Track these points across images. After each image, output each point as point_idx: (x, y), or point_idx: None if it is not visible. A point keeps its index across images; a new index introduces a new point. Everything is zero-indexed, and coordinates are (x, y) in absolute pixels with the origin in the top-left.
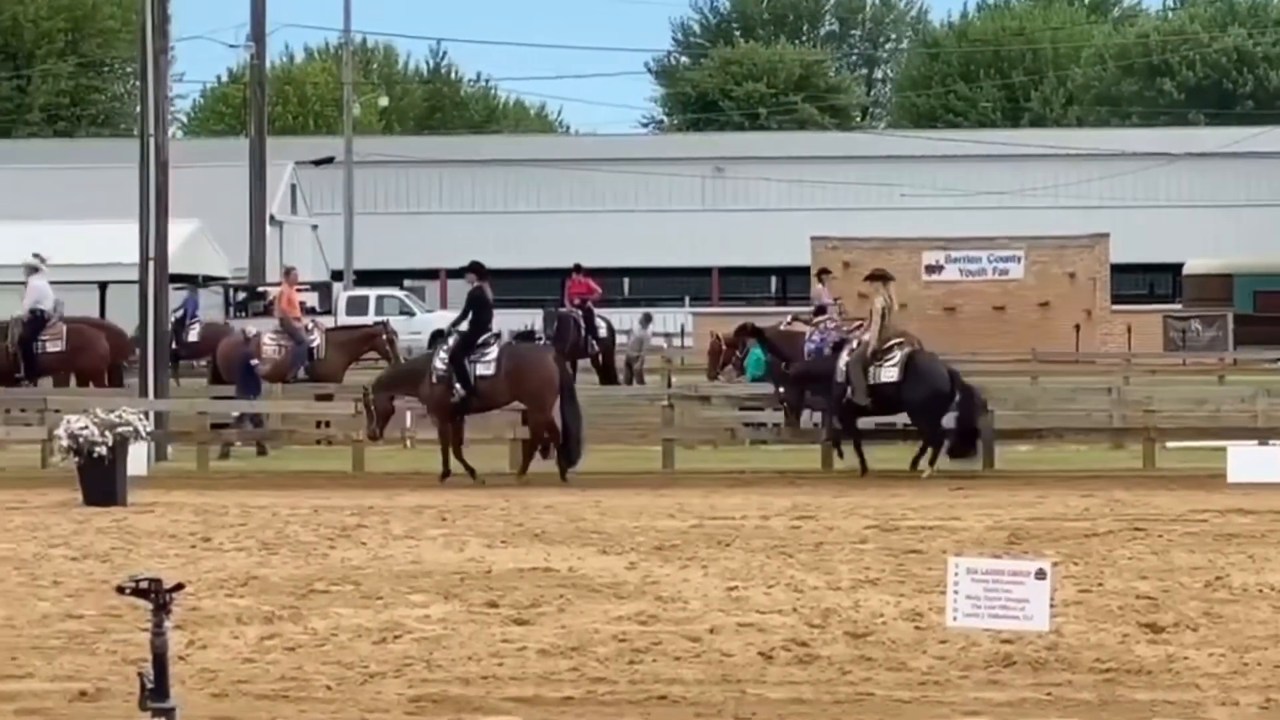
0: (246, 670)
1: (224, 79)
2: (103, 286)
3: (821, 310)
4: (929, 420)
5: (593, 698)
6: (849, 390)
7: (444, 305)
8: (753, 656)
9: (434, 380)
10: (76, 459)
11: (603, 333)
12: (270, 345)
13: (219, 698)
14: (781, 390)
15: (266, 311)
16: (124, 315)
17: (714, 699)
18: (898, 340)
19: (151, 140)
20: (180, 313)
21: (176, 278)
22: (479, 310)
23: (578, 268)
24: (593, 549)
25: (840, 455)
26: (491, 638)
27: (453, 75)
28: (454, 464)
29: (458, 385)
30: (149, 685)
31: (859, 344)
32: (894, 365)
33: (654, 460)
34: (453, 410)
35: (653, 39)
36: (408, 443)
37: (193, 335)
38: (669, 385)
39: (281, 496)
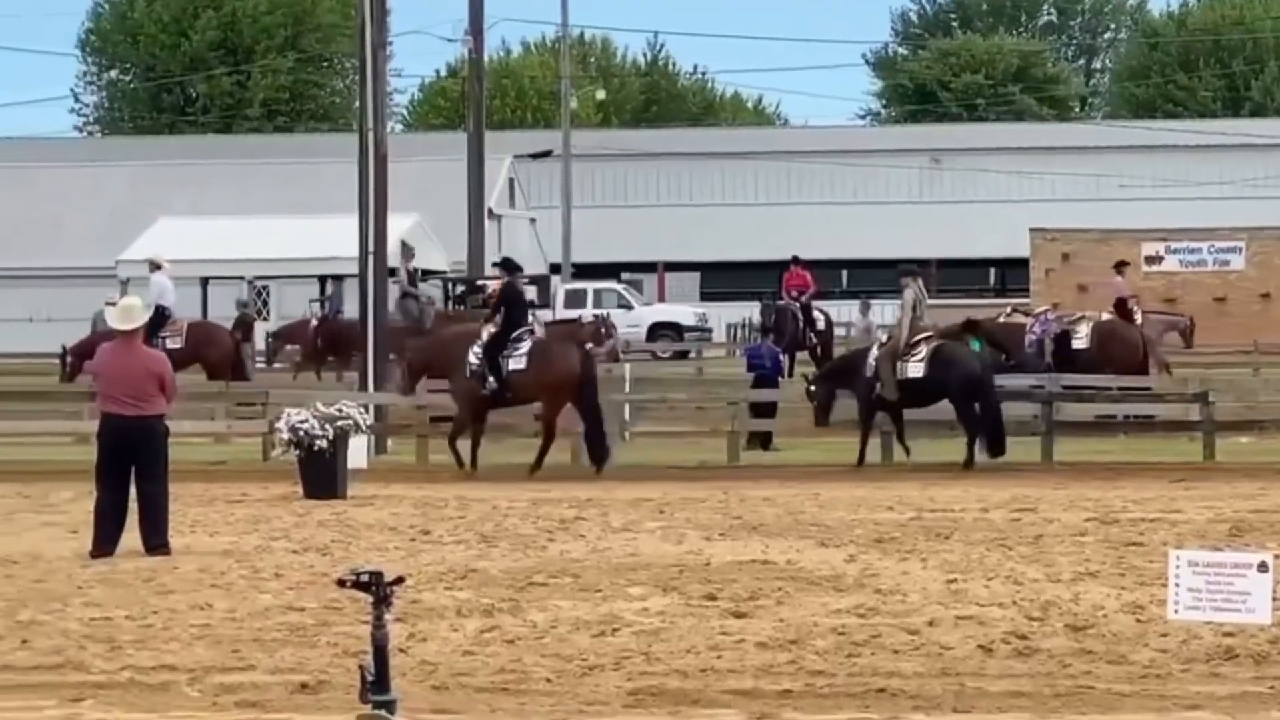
0: (466, 663)
1: (442, 73)
2: (322, 280)
3: (1122, 303)
4: (967, 405)
5: (811, 690)
6: (878, 385)
7: (661, 298)
8: (972, 649)
9: (467, 374)
10: (297, 452)
11: (820, 325)
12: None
13: (439, 690)
14: (811, 389)
15: (485, 305)
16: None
17: (933, 692)
18: (925, 335)
19: (371, 134)
20: (327, 307)
21: (396, 271)
22: (511, 306)
23: (796, 260)
24: (811, 541)
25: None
26: (710, 630)
27: (670, 68)
28: (465, 456)
29: (490, 379)
30: (370, 678)
31: (889, 338)
32: (920, 360)
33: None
34: (484, 404)
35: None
36: (626, 435)
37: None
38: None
39: (500, 489)
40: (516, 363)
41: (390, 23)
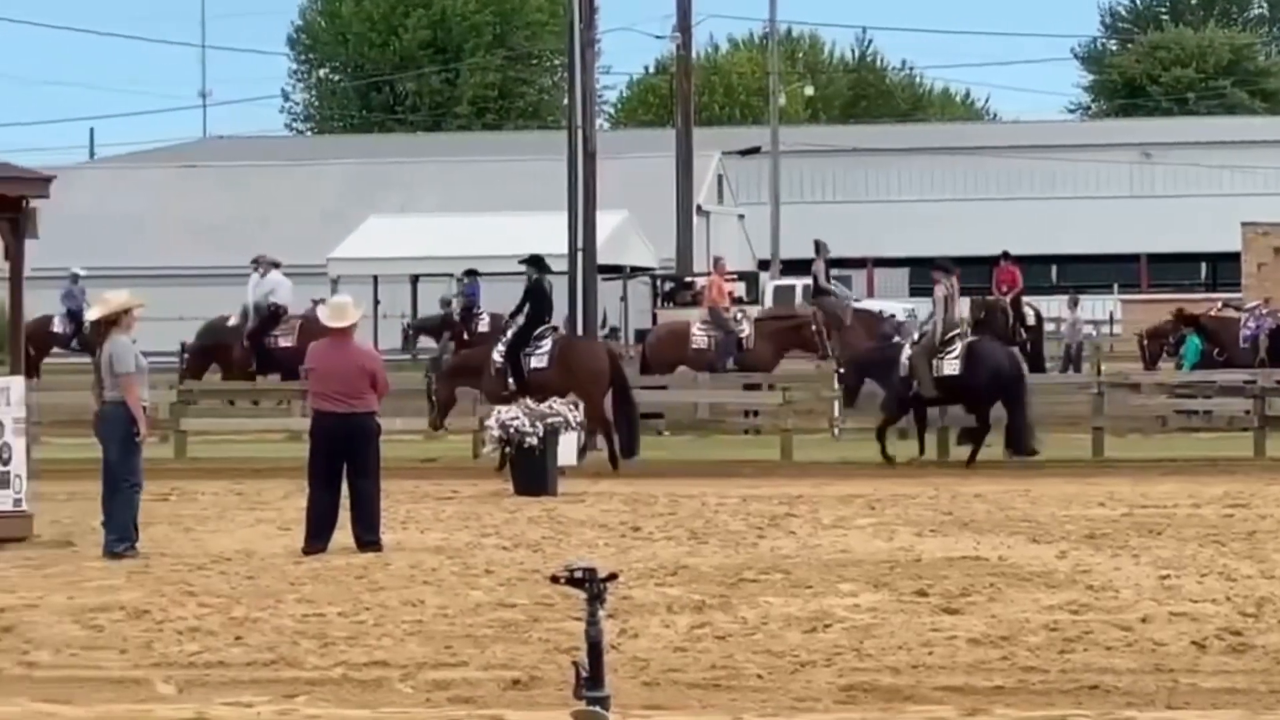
0: (677, 659)
1: (650, 70)
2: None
3: None
4: (987, 406)
5: (1024, 687)
6: (915, 383)
7: (870, 294)
8: (1185, 646)
9: (493, 372)
10: (507, 449)
11: (1030, 320)
12: (699, 335)
13: (650, 686)
14: (841, 373)
15: (694, 302)
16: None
17: (1146, 688)
18: (958, 331)
19: (579, 132)
20: (464, 302)
21: (605, 268)
22: (536, 303)
23: (1006, 255)
24: (1022, 537)
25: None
26: (921, 627)
27: (878, 63)
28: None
29: (510, 380)
30: (584, 674)
31: (921, 335)
32: (955, 357)
33: (1084, 448)
34: (511, 400)
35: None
36: (835, 431)
37: (482, 326)
38: (1098, 373)
39: (710, 486)
40: (538, 361)
41: (598, 20)
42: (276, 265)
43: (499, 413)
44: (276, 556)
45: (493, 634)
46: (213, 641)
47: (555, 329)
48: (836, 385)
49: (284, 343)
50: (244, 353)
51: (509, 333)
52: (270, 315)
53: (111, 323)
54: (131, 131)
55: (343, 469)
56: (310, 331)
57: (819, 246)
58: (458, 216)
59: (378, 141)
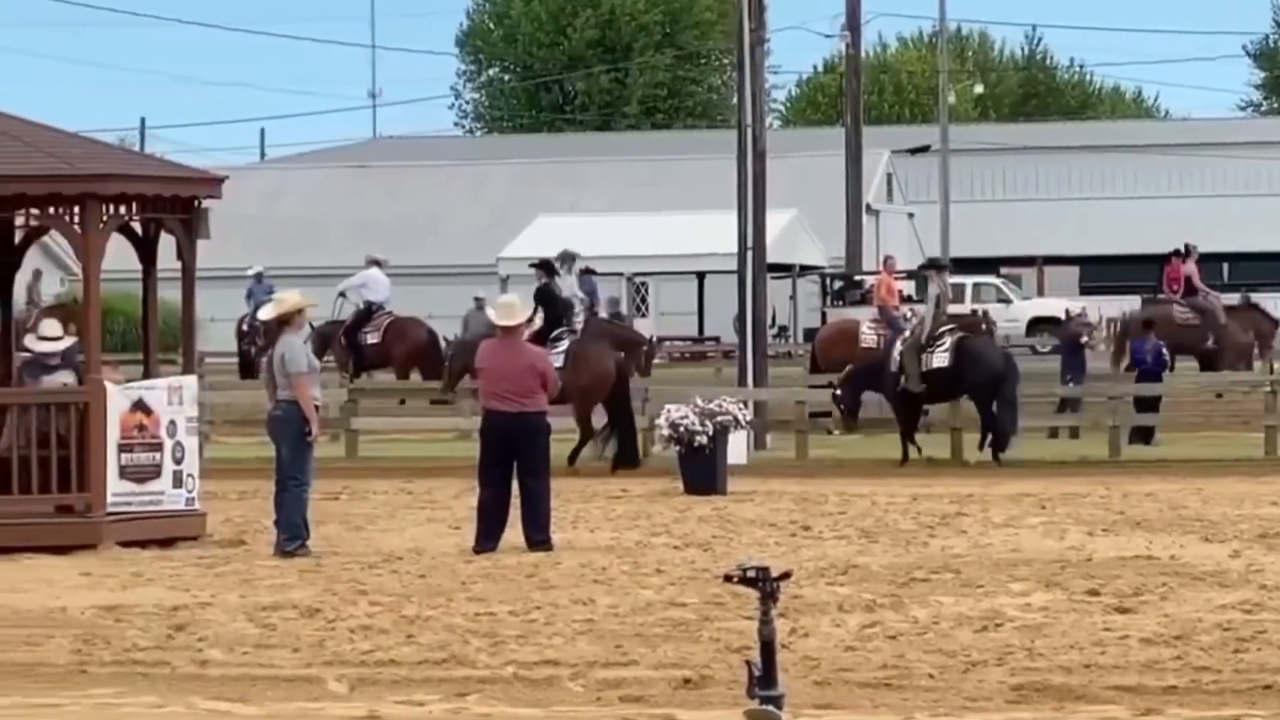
0: (848, 658)
1: (819, 69)
2: (700, 276)
3: None
4: (987, 402)
5: (1196, 687)
6: (903, 379)
7: (1040, 293)
8: None
9: None
10: (677, 448)
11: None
12: (869, 334)
13: (821, 685)
14: (838, 393)
15: (864, 300)
16: (721, 305)
17: None
18: (949, 327)
19: (749, 130)
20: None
21: (774, 267)
22: (549, 306)
23: (1178, 253)
24: (1194, 536)
25: (918, 450)
26: (1093, 626)
27: (1048, 61)
28: None
29: None
30: (757, 673)
31: (912, 332)
32: (945, 351)
33: (1255, 447)
34: None
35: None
36: None
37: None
38: (1270, 371)
39: (880, 484)
40: (555, 361)
41: (768, 19)
42: (378, 263)
43: (669, 411)
44: (447, 555)
45: (663, 633)
46: (384, 640)
47: (573, 331)
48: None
49: (371, 339)
50: (341, 349)
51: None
52: (366, 313)
53: (284, 322)
54: (302, 132)
55: (513, 468)
56: (398, 329)
57: (1189, 249)
58: (627, 216)
59: (547, 141)
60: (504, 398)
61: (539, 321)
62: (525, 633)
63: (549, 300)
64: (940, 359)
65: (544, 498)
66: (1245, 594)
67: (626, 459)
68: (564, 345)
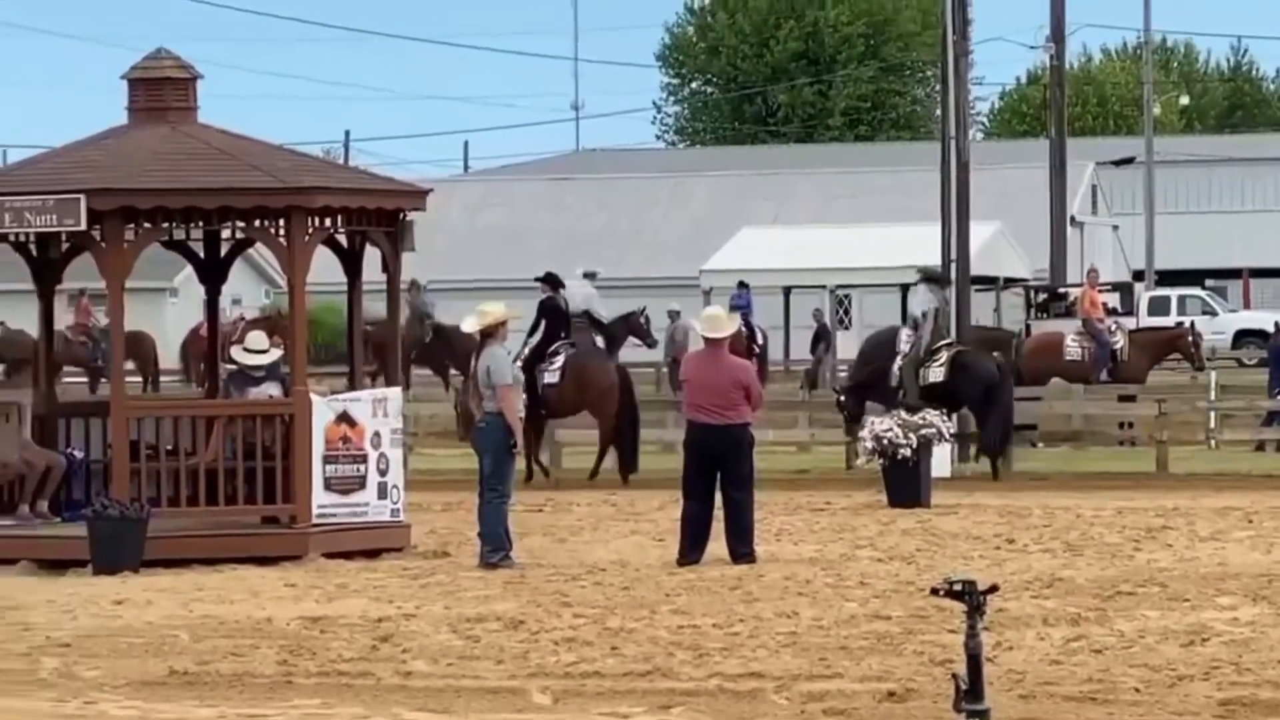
0: (1053, 672)
1: (1022, 80)
2: (904, 289)
3: None
4: (984, 412)
5: None
6: (902, 393)
7: (1247, 305)
8: None
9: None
10: (881, 461)
11: None
12: (1073, 346)
13: (1026, 699)
14: (841, 400)
15: (1067, 313)
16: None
17: None
18: (946, 342)
19: (953, 142)
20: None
21: (978, 279)
22: (551, 320)
23: None
24: None
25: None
26: None
27: (1254, 73)
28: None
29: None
30: (964, 687)
31: (910, 347)
32: (941, 365)
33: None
34: (525, 418)
35: None
36: (1212, 443)
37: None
38: None
39: (1084, 498)
40: (551, 377)
41: (972, 30)
42: (591, 276)
43: (873, 424)
44: (651, 567)
45: (867, 646)
46: (588, 652)
47: (572, 345)
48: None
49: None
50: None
51: (526, 349)
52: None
53: (487, 334)
54: (504, 145)
55: (716, 480)
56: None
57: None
58: (830, 228)
59: (750, 153)
60: (708, 410)
61: (538, 336)
62: (729, 645)
63: (553, 314)
64: (936, 373)
65: (748, 510)
66: None
67: (627, 466)
68: (560, 360)
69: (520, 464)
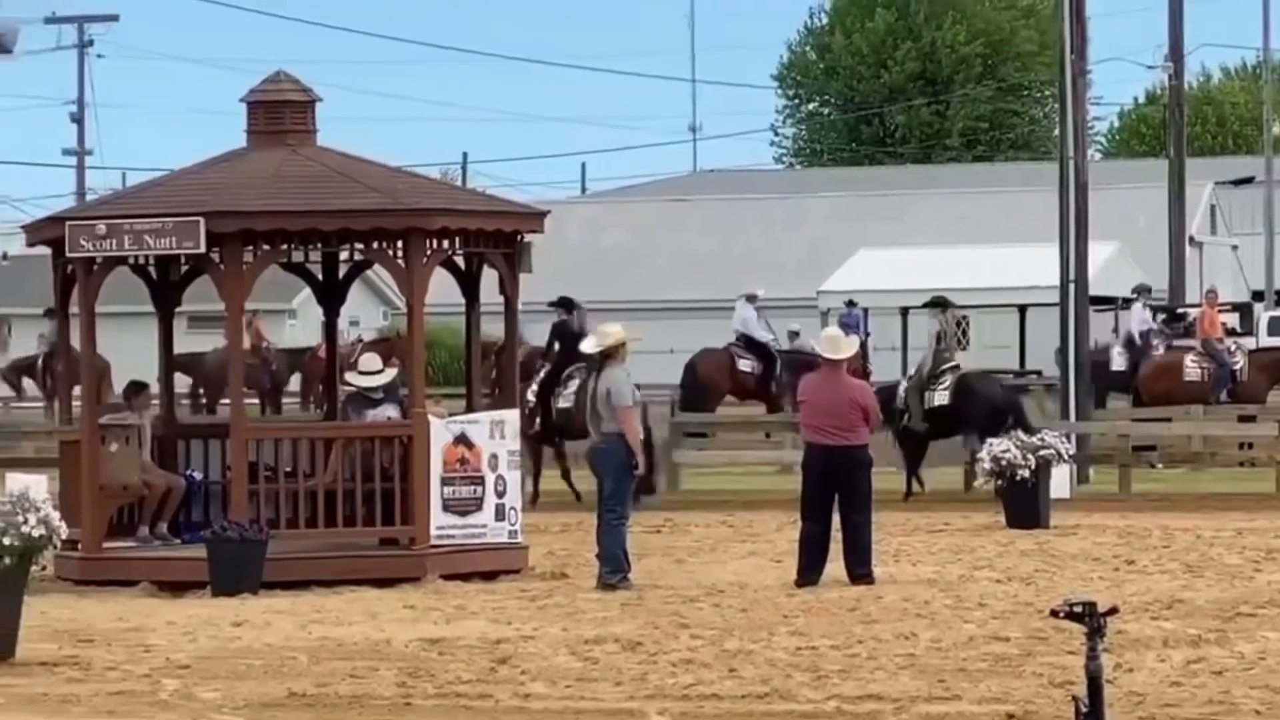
0: (1173, 694)
1: (1141, 100)
2: (1022, 310)
3: None
4: (988, 436)
5: None
6: (907, 416)
7: None
8: None
9: (525, 410)
10: (999, 482)
11: None
12: (1192, 367)
13: None
14: None
15: (1186, 334)
16: (1042, 338)
17: None
18: (950, 365)
19: (1071, 163)
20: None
21: (1097, 300)
22: (564, 343)
23: None
24: None
25: (921, 487)
26: None
27: None
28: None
29: (538, 418)
30: (1084, 709)
31: (915, 370)
32: (945, 389)
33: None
34: (537, 439)
35: None
36: None
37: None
38: None
39: (1204, 519)
40: (565, 401)
41: (1090, 50)
42: (750, 298)
43: (991, 445)
44: (769, 589)
45: (986, 668)
46: (706, 674)
47: (584, 368)
48: None
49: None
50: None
51: (541, 372)
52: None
53: (607, 356)
54: (622, 166)
55: (834, 501)
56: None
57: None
58: (948, 249)
59: (867, 174)
60: (826, 431)
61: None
62: (847, 667)
63: (566, 337)
64: (941, 397)
65: (866, 531)
66: None
67: (643, 489)
68: (575, 384)
69: (528, 485)
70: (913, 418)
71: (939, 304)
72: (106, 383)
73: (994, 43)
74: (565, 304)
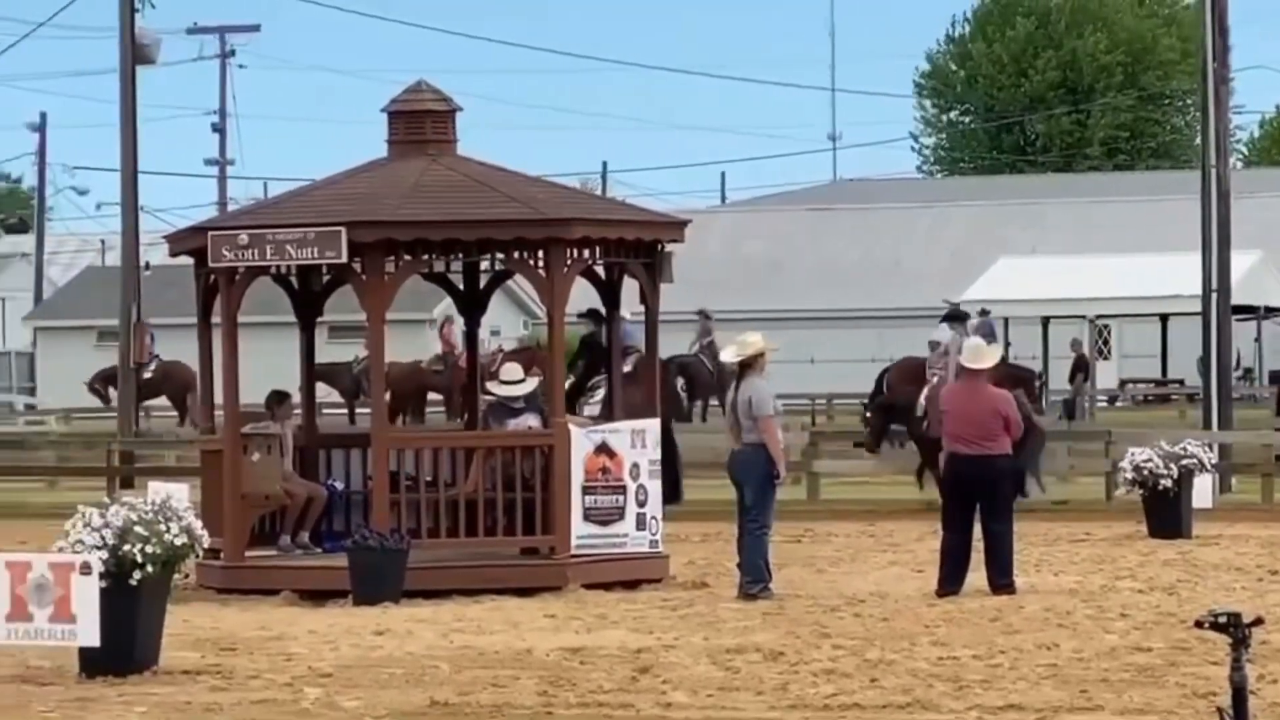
0: None
1: None
2: (1164, 319)
3: None
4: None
5: None
6: (926, 424)
7: None
8: None
9: None
10: (1141, 491)
11: None
12: None
13: None
14: (868, 416)
15: None
16: (1185, 348)
17: None
18: None
19: (1213, 171)
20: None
21: (1239, 309)
22: (591, 355)
23: None
24: None
25: (921, 487)
26: None
27: None
28: None
29: None
30: None
31: (937, 380)
32: None
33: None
34: None
35: None
36: None
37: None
38: None
39: None
40: (590, 410)
41: (1232, 58)
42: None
43: (1133, 454)
44: (910, 598)
45: (1128, 678)
46: (848, 684)
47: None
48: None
49: None
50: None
51: (566, 384)
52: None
53: (746, 365)
54: (762, 175)
55: (975, 511)
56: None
57: None
58: (1089, 257)
59: (1008, 183)
60: (966, 441)
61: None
62: (989, 677)
63: (594, 349)
64: None
65: (1007, 541)
66: None
67: (669, 497)
68: (600, 394)
69: None
70: (931, 425)
71: (955, 318)
72: (192, 394)
73: (1135, 51)
74: (594, 316)
